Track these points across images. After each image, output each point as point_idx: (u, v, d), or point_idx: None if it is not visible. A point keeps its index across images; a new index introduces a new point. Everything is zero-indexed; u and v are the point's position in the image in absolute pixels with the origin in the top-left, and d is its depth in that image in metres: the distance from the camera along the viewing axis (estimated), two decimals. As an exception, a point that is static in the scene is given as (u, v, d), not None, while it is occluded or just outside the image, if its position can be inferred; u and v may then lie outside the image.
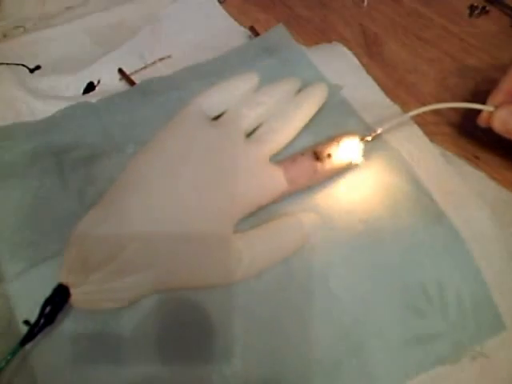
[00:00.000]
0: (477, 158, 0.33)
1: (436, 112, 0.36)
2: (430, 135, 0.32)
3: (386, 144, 0.31)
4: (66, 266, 0.25)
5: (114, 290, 0.25)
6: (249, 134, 0.31)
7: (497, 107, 0.29)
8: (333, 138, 0.30)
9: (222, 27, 0.45)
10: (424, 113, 0.31)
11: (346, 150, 0.29)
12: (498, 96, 0.30)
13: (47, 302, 0.24)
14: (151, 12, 0.46)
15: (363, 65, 0.38)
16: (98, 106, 0.35)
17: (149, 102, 0.35)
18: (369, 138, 0.30)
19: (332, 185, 0.30)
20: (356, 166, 0.30)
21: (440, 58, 0.41)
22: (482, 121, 0.31)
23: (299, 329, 0.25)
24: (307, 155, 0.29)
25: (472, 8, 0.45)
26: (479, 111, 0.31)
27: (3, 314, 0.25)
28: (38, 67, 0.42)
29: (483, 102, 0.31)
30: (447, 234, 0.28)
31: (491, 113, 0.30)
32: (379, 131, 0.30)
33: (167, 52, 0.43)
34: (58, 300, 0.24)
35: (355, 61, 0.38)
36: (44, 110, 0.36)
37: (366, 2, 0.47)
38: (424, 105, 0.30)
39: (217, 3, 0.47)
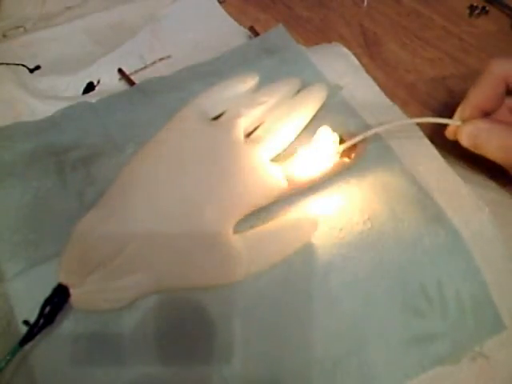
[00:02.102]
0: (476, 158, 0.33)
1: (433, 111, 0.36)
2: (430, 135, 0.32)
3: (386, 145, 0.31)
4: (65, 266, 0.25)
5: (113, 289, 0.25)
6: (248, 134, 0.31)
7: (464, 121, 0.29)
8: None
9: (222, 27, 0.45)
10: (422, 112, 0.31)
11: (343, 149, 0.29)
12: (465, 110, 0.30)
13: (47, 302, 0.24)
14: (151, 12, 0.46)
15: (363, 65, 0.38)
16: (97, 106, 0.35)
17: (149, 102, 0.35)
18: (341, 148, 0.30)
19: (332, 185, 0.30)
20: (353, 164, 0.30)
21: (440, 58, 0.41)
22: (449, 134, 0.31)
23: (299, 329, 0.25)
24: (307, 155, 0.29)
25: (472, 8, 0.45)
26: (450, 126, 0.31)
27: (3, 314, 0.25)
28: (37, 67, 0.42)
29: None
30: (447, 234, 0.28)
31: (458, 127, 0.29)
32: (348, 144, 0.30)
33: (167, 52, 0.43)
34: (58, 300, 0.24)
35: (355, 61, 0.38)
36: (44, 109, 0.36)
37: (365, 2, 0.47)
38: (423, 105, 0.31)
39: (217, 3, 0.47)
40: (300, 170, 0.29)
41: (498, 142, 0.27)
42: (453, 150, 0.34)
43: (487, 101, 0.29)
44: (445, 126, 0.31)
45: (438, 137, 0.34)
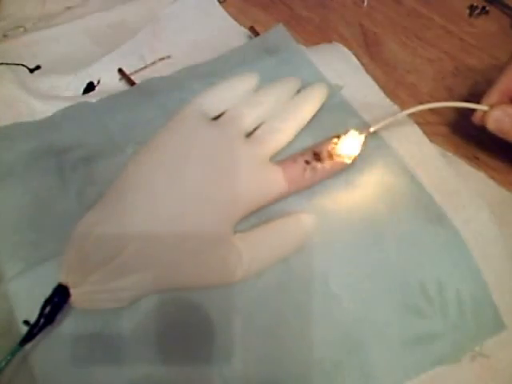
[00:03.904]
0: (476, 158, 0.33)
1: (435, 112, 0.36)
2: (430, 135, 0.32)
3: (386, 144, 0.31)
4: (65, 266, 0.25)
5: (113, 289, 0.25)
6: (249, 134, 0.31)
7: (491, 107, 0.29)
8: (331, 137, 0.30)
9: (222, 27, 0.45)
10: (423, 113, 0.31)
11: (345, 147, 0.29)
12: (492, 96, 0.30)
13: (47, 302, 0.24)
14: (151, 12, 0.46)
15: (363, 65, 0.38)
16: (97, 106, 0.35)
17: (149, 102, 0.35)
18: (363, 135, 0.30)
19: (332, 185, 0.30)
20: (355, 163, 0.30)
21: (440, 58, 0.41)
22: (476, 119, 0.31)
23: (299, 329, 0.25)
24: (307, 155, 0.29)
25: (472, 8, 0.45)
26: (477, 111, 0.31)
27: (3, 314, 0.25)
28: (37, 67, 0.42)
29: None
30: (447, 234, 0.28)
31: (486, 112, 0.30)
32: (373, 129, 0.30)
33: (167, 52, 0.43)
34: (58, 300, 0.24)
35: (355, 61, 0.38)
36: (44, 109, 0.36)
37: (366, 2, 0.47)
38: (423, 105, 0.30)
39: (217, 3, 0.47)
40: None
41: None
42: (453, 150, 0.34)
43: None
44: (443, 123, 0.31)
45: (438, 136, 0.34)
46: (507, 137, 0.29)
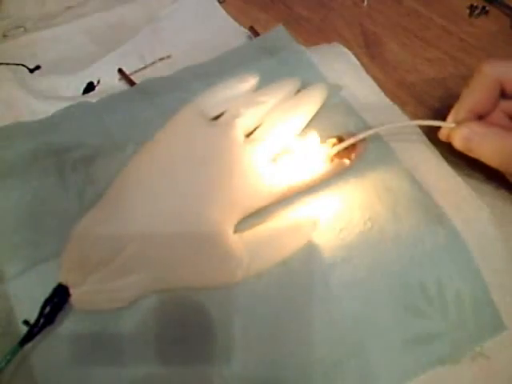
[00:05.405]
0: (476, 158, 0.33)
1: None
2: (429, 136, 0.32)
3: (386, 145, 0.31)
4: (65, 266, 0.25)
5: (113, 289, 0.25)
6: (248, 135, 0.31)
7: (458, 124, 0.28)
8: (331, 138, 0.30)
9: (222, 27, 0.45)
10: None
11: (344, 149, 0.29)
12: (459, 113, 0.29)
13: (47, 301, 0.24)
14: (151, 12, 0.46)
15: (363, 65, 0.38)
16: (97, 106, 0.35)
17: (149, 102, 0.35)
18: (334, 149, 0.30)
19: (332, 185, 0.30)
20: (353, 165, 0.30)
21: (440, 58, 0.41)
22: (443, 137, 0.30)
23: (299, 329, 0.25)
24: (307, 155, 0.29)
25: (472, 8, 0.45)
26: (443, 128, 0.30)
27: (3, 314, 0.25)
28: (37, 67, 0.42)
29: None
30: (447, 234, 0.28)
31: (452, 130, 0.29)
32: (334, 151, 0.30)
33: (167, 52, 0.43)
34: (58, 300, 0.24)
35: (355, 61, 0.38)
36: (44, 110, 0.36)
37: (366, 2, 0.47)
38: (423, 105, 0.30)
39: (217, 3, 0.47)
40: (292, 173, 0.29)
41: (493, 146, 0.27)
42: (453, 150, 0.33)
43: (481, 104, 0.29)
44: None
45: (437, 137, 0.34)
46: (473, 154, 0.28)
